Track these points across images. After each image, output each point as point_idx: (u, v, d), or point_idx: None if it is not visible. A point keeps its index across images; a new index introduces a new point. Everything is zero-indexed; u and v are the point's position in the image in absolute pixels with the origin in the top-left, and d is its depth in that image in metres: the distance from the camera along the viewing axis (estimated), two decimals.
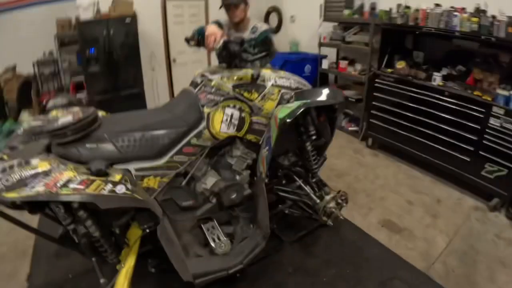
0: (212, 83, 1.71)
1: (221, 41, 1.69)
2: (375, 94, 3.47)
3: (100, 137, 1.36)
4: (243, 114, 1.74)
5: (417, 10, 3.06)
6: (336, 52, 4.43)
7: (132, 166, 1.43)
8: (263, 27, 2.18)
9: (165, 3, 4.53)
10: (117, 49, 3.98)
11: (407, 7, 3.19)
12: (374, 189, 2.91)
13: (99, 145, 1.33)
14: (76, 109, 1.39)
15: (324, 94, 1.85)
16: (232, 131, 1.71)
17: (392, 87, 3.28)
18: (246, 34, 2.19)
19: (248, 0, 2.19)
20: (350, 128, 4.15)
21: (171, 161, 1.53)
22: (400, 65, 3.24)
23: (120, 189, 1.19)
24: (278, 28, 5.33)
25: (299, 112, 1.60)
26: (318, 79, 4.43)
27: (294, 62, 4.43)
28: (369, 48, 3.61)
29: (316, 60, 4.44)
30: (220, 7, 2.21)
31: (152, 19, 4.51)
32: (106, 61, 3.94)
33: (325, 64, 4.35)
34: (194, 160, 1.64)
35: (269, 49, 2.00)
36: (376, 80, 3.43)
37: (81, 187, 1.11)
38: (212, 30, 1.73)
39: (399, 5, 3.29)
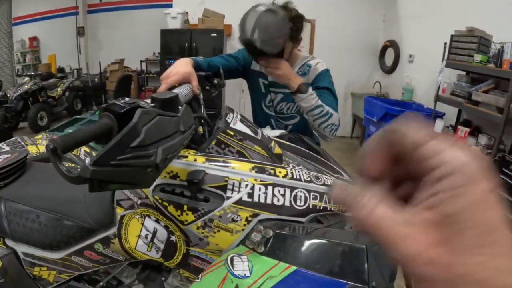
0: None
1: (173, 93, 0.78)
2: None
3: None
4: (172, 237, 0.90)
5: None
6: (457, 112, 3.12)
7: (20, 249, 1.01)
8: (319, 65, 1.40)
9: None
10: None
11: None
12: None
13: None
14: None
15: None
16: (155, 255, 0.92)
17: None
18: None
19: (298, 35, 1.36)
20: None
21: (69, 260, 1.01)
22: None
23: None
24: (393, 68, 4.30)
25: None
26: None
27: (397, 116, 3.24)
28: (502, 117, 2.28)
29: (428, 118, 3.20)
30: (253, 57, 1.41)
31: None
32: None
33: (439, 126, 3.10)
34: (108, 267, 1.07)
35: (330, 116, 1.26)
36: (504, 169, 2.12)
37: None
38: (171, 70, 1.06)
39: None
